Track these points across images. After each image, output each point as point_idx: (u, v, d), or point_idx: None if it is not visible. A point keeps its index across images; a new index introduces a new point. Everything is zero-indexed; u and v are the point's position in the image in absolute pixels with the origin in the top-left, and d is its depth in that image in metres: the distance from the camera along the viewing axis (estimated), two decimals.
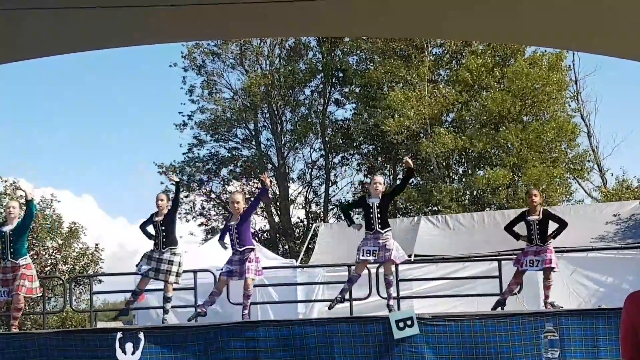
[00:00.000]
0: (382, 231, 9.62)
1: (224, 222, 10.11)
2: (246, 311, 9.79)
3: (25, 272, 9.86)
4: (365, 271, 11.19)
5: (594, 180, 28.77)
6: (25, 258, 9.96)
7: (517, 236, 10.42)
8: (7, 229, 9.88)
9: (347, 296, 10.21)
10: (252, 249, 9.82)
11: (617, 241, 15.89)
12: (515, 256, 10.60)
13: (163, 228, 10.06)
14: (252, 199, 10.26)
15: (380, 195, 9.80)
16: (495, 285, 10.96)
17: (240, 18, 5.34)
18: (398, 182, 10.95)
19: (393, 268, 9.97)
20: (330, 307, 10.15)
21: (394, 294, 10.38)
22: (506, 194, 24.54)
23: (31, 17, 4.86)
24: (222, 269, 9.83)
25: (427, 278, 14.42)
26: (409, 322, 8.49)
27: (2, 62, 6.04)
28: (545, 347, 5.89)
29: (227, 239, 10.00)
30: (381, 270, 11.28)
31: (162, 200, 10.22)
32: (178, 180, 10.59)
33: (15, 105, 48.52)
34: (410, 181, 29.65)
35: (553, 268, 10.20)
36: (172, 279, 10.06)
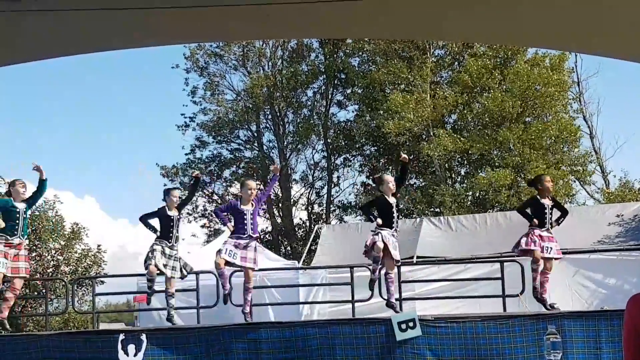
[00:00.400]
0: (398, 231, 9.85)
1: (228, 202, 10.19)
2: (248, 309, 9.75)
3: (25, 253, 9.88)
4: (367, 273, 11.18)
5: (596, 182, 28.77)
6: (26, 239, 10.01)
7: (530, 218, 10.36)
8: (21, 206, 9.84)
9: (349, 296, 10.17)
10: (259, 237, 9.95)
11: (619, 243, 15.87)
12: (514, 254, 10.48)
13: (178, 224, 10.18)
14: (265, 186, 10.37)
15: (393, 194, 9.89)
16: (498, 287, 10.94)
17: (242, 20, 5.34)
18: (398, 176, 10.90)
19: (395, 269, 9.97)
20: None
21: (395, 296, 10.37)
22: (508, 195, 24.52)
23: (32, 20, 4.87)
24: (221, 249, 9.68)
25: (429, 280, 14.42)
26: (411, 324, 8.48)
27: (4, 64, 6.05)
28: (548, 349, 5.88)
29: (230, 221, 10.01)
30: (383, 271, 11.29)
31: (175, 196, 10.26)
32: (200, 177, 10.63)
33: (16, 106, 48.62)
34: (413, 182, 29.76)
35: (560, 258, 10.35)
36: (177, 275, 10.13)
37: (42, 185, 10.18)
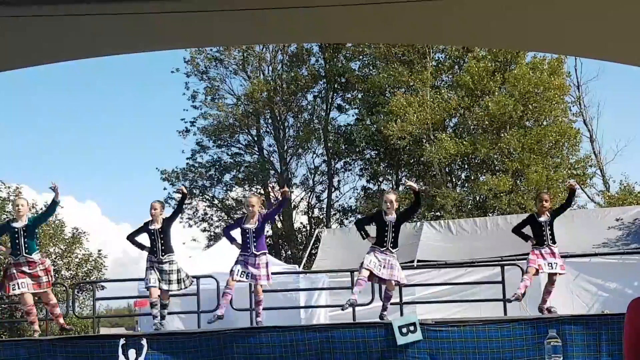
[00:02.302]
0: (392, 250, 9.67)
1: (235, 220, 10.15)
2: (260, 318, 9.86)
3: (45, 267, 9.92)
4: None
5: (597, 186, 28.78)
6: (38, 253, 10.03)
7: (526, 238, 10.47)
8: (19, 225, 9.89)
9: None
10: (266, 253, 9.90)
11: (620, 246, 15.88)
12: (515, 260, 10.55)
13: (162, 236, 10.06)
14: (273, 207, 10.30)
15: (394, 214, 9.80)
16: (499, 291, 10.95)
17: (242, 24, 5.35)
18: (408, 206, 10.92)
19: (394, 287, 9.93)
20: (343, 308, 10.09)
21: (397, 300, 10.38)
22: (509, 199, 24.52)
23: (34, 25, 4.87)
24: (233, 270, 9.75)
25: (430, 283, 14.42)
26: (412, 328, 8.48)
27: (5, 69, 6.05)
28: (548, 353, 5.88)
29: (238, 238, 10.01)
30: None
31: (155, 209, 10.20)
32: (187, 193, 10.58)
33: (18, 111, 48.62)
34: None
35: (563, 273, 10.37)
36: (174, 287, 10.12)
37: (53, 205, 10.30)
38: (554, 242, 10.22)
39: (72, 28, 5.08)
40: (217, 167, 31.41)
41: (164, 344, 8.91)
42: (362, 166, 31.03)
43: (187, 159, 31.33)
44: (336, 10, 5.18)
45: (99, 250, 24.25)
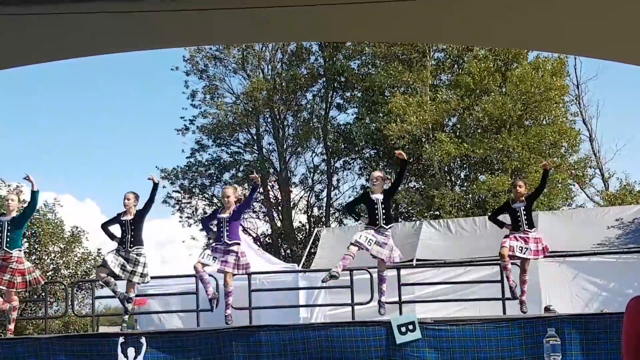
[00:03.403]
0: (386, 227, 9.74)
1: (213, 211, 10.16)
2: (229, 311, 9.82)
3: (17, 267, 9.87)
4: (367, 276, 11.19)
5: (596, 185, 28.79)
6: (20, 250, 10.00)
7: (501, 224, 10.56)
8: (5, 219, 9.92)
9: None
10: (238, 244, 9.90)
11: (619, 245, 15.89)
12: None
13: (132, 227, 10.04)
14: (245, 196, 10.29)
15: (382, 191, 9.86)
16: (498, 290, 10.94)
17: (242, 23, 5.35)
18: (395, 175, 11.05)
19: (385, 266, 9.94)
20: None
21: (396, 299, 10.37)
22: (508, 199, 24.50)
23: (34, 23, 4.87)
24: (202, 253, 9.83)
25: (429, 282, 14.41)
26: (411, 327, 8.48)
27: (4, 68, 6.05)
28: (547, 352, 5.89)
29: (214, 228, 10.04)
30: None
31: (129, 199, 10.17)
32: (158, 182, 10.41)
33: (17, 110, 48.60)
34: (412, 185, 29.75)
35: (537, 258, 10.35)
36: (136, 279, 10.04)
37: (33, 197, 10.20)
38: (531, 228, 10.21)
39: (71, 26, 5.07)
40: (216, 165, 31.41)
41: (163, 342, 8.91)
42: (361, 165, 31.03)
43: (187, 157, 31.37)
44: (336, 9, 5.18)
45: (99, 249, 24.20)
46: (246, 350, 8.73)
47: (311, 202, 32.29)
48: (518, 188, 10.45)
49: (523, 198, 10.36)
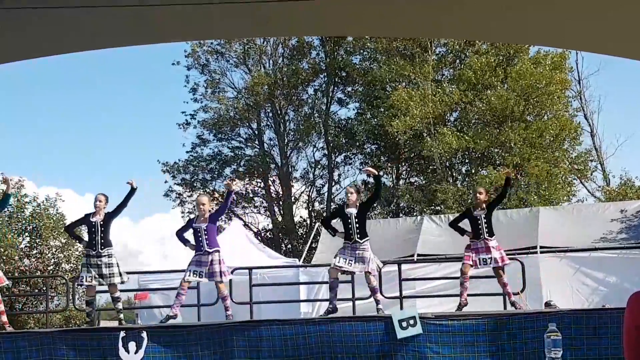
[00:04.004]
0: (361, 241, 9.65)
1: (187, 222, 10.09)
2: (229, 312, 9.85)
3: None
4: None
5: (597, 180, 28.77)
6: None
7: (462, 231, 10.50)
8: None
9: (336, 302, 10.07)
10: (219, 251, 9.87)
11: (620, 241, 15.88)
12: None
13: (102, 229, 10.00)
14: (221, 202, 10.25)
15: (357, 205, 9.80)
16: (498, 285, 10.94)
17: (242, 18, 5.34)
18: (370, 192, 11.01)
19: (373, 278, 9.90)
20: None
21: (397, 294, 10.37)
22: (509, 194, 24.52)
23: (33, 17, 4.86)
24: (186, 271, 9.76)
25: (429, 277, 14.42)
26: (411, 322, 8.48)
27: (3, 62, 6.05)
28: (548, 347, 5.88)
29: (191, 238, 9.99)
30: (384, 269, 11.29)
31: (100, 201, 10.13)
32: (136, 187, 10.28)
33: (19, 104, 48.59)
34: (414, 180, 29.74)
35: (503, 266, 10.25)
36: (117, 280, 10.00)
37: (4, 199, 10.11)
38: (491, 236, 10.15)
39: (71, 21, 5.07)
40: (217, 160, 31.41)
41: (164, 337, 8.92)
42: (362, 160, 31.02)
43: (187, 152, 31.37)
44: (337, 4, 5.17)
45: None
46: (247, 345, 8.73)
47: (312, 197, 32.32)
48: (478, 195, 10.37)
49: (484, 206, 10.28)
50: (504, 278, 10.27)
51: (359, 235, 9.65)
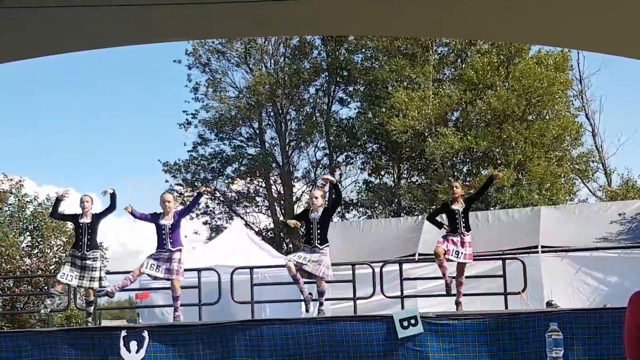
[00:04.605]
0: (320, 247, 9.61)
1: (151, 214, 10.02)
2: (177, 313, 9.88)
3: None
4: (369, 270, 11.20)
5: (599, 180, 28.76)
6: None
7: (439, 225, 10.55)
8: None
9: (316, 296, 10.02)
10: (180, 250, 9.85)
11: (621, 240, 15.86)
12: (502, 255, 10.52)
13: (89, 231, 10.03)
14: (188, 204, 10.21)
15: (320, 210, 9.76)
16: (500, 284, 10.95)
17: (243, 17, 5.33)
18: (334, 197, 10.98)
19: (324, 283, 9.83)
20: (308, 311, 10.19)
21: (398, 293, 10.34)
22: (511, 193, 24.52)
23: (33, 17, 4.86)
24: (144, 262, 9.77)
25: (431, 277, 14.38)
26: (413, 321, 8.48)
27: (4, 61, 6.04)
28: (550, 347, 5.87)
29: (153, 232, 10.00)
30: (385, 269, 11.30)
31: (87, 202, 10.16)
32: (112, 190, 10.23)
33: (19, 104, 48.64)
34: (415, 180, 29.70)
35: (471, 262, 10.42)
36: (95, 284, 10.03)
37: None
38: (468, 231, 10.21)
39: (71, 21, 5.07)
40: (219, 159, 31.41)
41: (165, 336, 8.92)
42: (363, 159, 31.02)
43: (189, 151, 31.38)
44: (337, 4, 5.17)
45: (100, 243, 24.27)
46: (248, 344, 8.73)
47: None
48: (455, 189, 10.39)
49: (461, 200, 10.29)
50: (462, 277, 10.36)
51: (319, 241, 9.60)
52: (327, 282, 9.89)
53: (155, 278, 10.12)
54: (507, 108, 24.87)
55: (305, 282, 9.79)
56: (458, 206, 10.27)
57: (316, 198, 9.79)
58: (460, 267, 10.32)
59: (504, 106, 24.78)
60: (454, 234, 10.21)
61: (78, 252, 10.01)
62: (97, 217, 10.13)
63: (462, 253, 10.14)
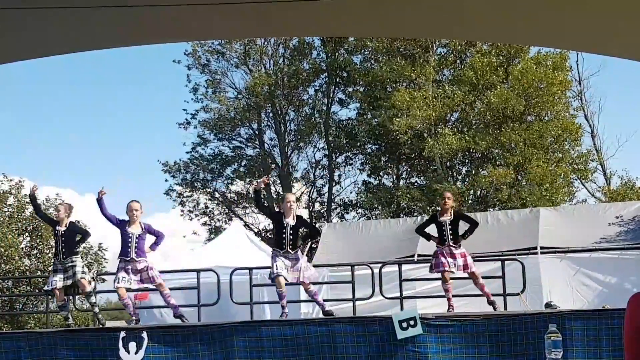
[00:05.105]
0: (292, 252, 9.64)
1: (118, 218, 9.94)
2: (178, 310, 9.98)
3: None
4: (369, 271, 11.20)
5: (598, 181, 28.77)
6: None
7: (428, 237, 10.51)
8: None
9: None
10: (146, 260, 9.81)
11: (620, 241, 15.87)
12: (507, 256, 10.50)
13: (63, 239, 10.01)
14: (157, 236, 10.02)
15: (294, 217, 9.75)
16: (499, 286, 10.95)
17: (243, 18, 5.33)
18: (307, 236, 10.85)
19: (311, 286, 9.90)
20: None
21: (397, 295, 10.34)
22: (509, 194, 24.52)
23: (33, 17, 4.86)
24: (118, 277, 9.68)
25: (430, 278, 14.37)
26: (412, 322, 8.48)
27: (3, 62, 6.04)
28: (548, 348, 5.87)
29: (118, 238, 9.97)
30: (384, 270, 11.30)
31: (59, 210, 10.16)
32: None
33: (19, 104, 48.62)
34: (414, 180, 29.67)
35: (474, 272, 10.25)
36: (86, 278, 10.03)
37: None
38: (456, 243, 10.15)
39: (71, 21, 5.06)
40: (218, 160, 31.41)
41: (164, 337, 8.92)
42: (363, 160, 31.01)
43: (187, 152, 31.38)
44: (338, 4, 5.16)
45: (100, 244, 24.26)
46: (247, 345, 8.74)
47: (313, 197, 32.30)
48: (447, 200, 10.34)
49: (451, 212, 10.24)
50: (479, 281, 10.27)
51: (291, 247, 9.62)
52: (315, 283, 9.90)
53: (131, 290, 10.10)
54: (507, 108, 24.87)
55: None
56: (446, 217, 10.23)
57: (290, 203, 9.77)
58: (472, 275, 10.25)
59: (504, 105, 24.77)
60: (442, 245, 10.17)
61: (57, 261, 10.06)
62: (73, 225, 10.16)
63: (455, 264, 10.10)
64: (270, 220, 9.81)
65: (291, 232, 9.61)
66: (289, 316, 10.05)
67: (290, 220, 9.66)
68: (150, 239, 9.90)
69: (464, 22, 5.73)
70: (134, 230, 9.77)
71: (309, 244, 10.40)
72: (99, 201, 9.83)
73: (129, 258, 9.69)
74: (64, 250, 9.96)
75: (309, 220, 10.24)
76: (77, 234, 10.24)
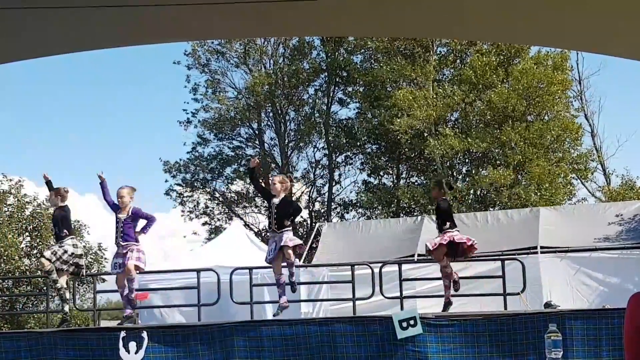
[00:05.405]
0: (278, 231, 9.68)
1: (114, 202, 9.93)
2: (133, 294, 10.05)
3: None
4: (369, 271, 11.20)
5: (598, 180, 28.77)
6: None
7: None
8: None
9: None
10: (130, 247, 9.77)
11: (620, 241, 15.87)
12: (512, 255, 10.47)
13: (54, 222, 10.25)
14: (147, 219, 9.97)
15: (281, 196, 9.84)
16: (499, 285, 10.94)
17: (243, 18, 5.33)
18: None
19: (291, 252, 9.75)
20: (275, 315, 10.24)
21: (397, 294, 10.33)
22: (509, 194, 24.52)
23: (33, 17, 4.86)
24: (112, 265, 9.92)
25: (430, 278, 14.39)
26: (412, 322, 8.48)
27: (3, 62, 6.04)
28: (549, 348, 5.87)
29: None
30: (384, 269, 11.29)
31: (50, 197, 10.39)
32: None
33: (19, 104, 48.60)
34: (414, 180, 29.64)
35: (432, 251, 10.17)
36: (82, 262, 10.16)
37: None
38: (441, 231, 9.91)
39: (71, 21, 5.06)
40: (218, 160, 31.41)
41: (164, 336, 8.91)
42: (363, 160, 31.02)
43: (187, 152, 31.39)
44: (337, 4, 5.16)
45: (99, 243, 24.27)
46: (247, 345, 8.73)
47: (313, 197, 32.30)
48: (432, 190, 10.42)
49: (437, 201, 10.17)
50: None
51: (277, 226, 9.68)
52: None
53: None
54: (507, 107, 24.86)
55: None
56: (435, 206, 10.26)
57: (274, 184, 9.90)
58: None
59: (504, 105, 24.76)
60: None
61: (55, 242, 10.29)
62: (59, 210, 10.19)
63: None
64: (263, 197, 10.00)
65: (276, 211, 9.70)
66: (288, 316, 10.04)
67: (275, 200, 9.76)
68: (142, 224, 9.92)
69: (464, 22, 5.73)
70: (122, 215, 9.84)
71: (293, 221, 10.53)
72: (101, 184, 9.98)
73: (116, 243, 9.82)
74: (55, 234, 10.20)
75: (293, 200, 10.35)
76: (61, 218, 10.24)
